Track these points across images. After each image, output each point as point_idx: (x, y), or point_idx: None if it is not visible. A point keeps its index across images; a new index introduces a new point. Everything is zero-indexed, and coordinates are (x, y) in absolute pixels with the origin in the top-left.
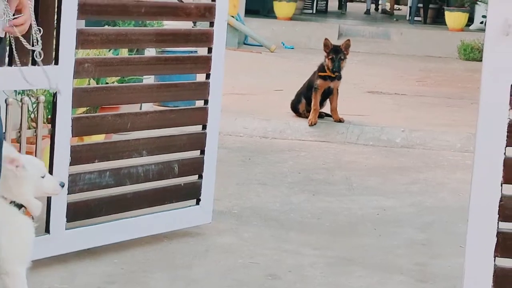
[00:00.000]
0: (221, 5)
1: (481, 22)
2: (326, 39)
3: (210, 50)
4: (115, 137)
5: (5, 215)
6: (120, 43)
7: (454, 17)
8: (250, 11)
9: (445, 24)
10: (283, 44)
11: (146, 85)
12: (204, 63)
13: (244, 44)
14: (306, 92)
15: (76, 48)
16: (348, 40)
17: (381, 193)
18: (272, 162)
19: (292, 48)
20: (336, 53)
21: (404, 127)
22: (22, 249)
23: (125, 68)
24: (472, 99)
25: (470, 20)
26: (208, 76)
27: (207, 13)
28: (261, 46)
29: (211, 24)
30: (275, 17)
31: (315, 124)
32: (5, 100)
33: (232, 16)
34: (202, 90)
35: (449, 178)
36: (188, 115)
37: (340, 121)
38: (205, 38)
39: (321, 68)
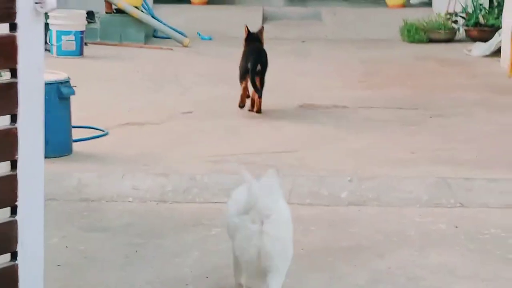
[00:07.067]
0: None
1: None
2: None
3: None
4: None
5: None
6: None
7: None
8: None
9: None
10: (199, 35)
11: None
12: None
13: (154, 37)
14: None
15: None
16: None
17: None
18: (170, 253)
19: (210, 39)
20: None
21: (350, 173)
22: None
23: None
24: (429, 109)
25: None
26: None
27: None
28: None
29: None
30: (189, 2)
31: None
32: None
33: (136, 7)
34: None
35: (421, 265)
36: None
37: None
38: None
39: None
